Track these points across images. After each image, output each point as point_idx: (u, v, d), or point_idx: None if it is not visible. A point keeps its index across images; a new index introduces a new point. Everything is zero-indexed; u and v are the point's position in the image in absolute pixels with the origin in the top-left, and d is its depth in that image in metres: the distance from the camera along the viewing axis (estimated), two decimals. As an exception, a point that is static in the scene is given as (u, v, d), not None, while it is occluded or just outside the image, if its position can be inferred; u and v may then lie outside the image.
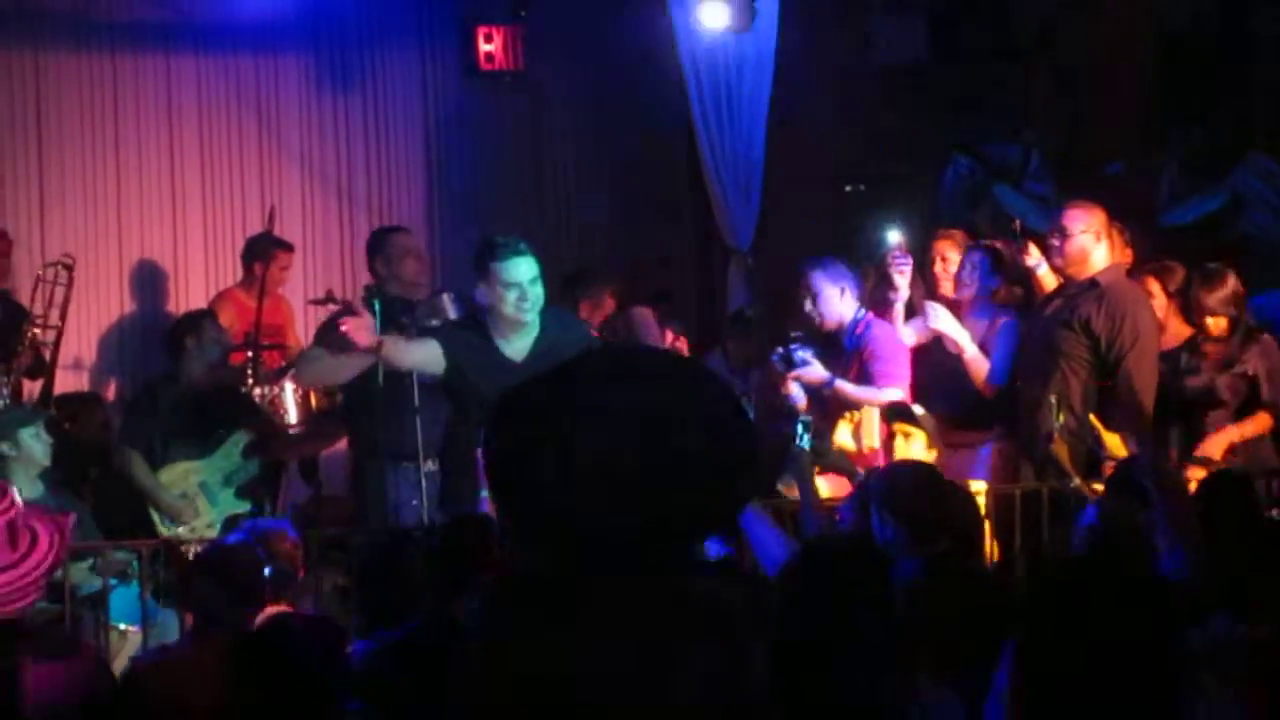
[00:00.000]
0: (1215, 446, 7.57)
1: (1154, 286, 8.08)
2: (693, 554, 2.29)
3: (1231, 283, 7.76)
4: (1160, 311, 7.94)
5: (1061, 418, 7.29)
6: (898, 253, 8.26)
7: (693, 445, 2.16)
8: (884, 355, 7.89)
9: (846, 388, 7.79)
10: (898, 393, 7.72)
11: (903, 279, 8.23)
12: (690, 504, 2.16)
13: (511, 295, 6.78)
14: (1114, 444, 7.29)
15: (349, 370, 7.54)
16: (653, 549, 2.16)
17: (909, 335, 8.22)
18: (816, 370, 7.80)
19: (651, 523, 2.14)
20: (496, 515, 4.97)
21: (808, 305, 7.98)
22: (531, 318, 6.86)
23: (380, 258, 8.57)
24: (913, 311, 8.34)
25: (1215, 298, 7.74)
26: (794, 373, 7.80)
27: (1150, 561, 4.81)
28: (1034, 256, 8.11)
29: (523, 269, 6.80)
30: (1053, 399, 7.38)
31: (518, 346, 6.90)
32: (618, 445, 2.14)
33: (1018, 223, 8.64)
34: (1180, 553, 4.76)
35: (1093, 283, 7.70)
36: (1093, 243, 7.71)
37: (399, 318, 7.72)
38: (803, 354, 7.79)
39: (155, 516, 8.10)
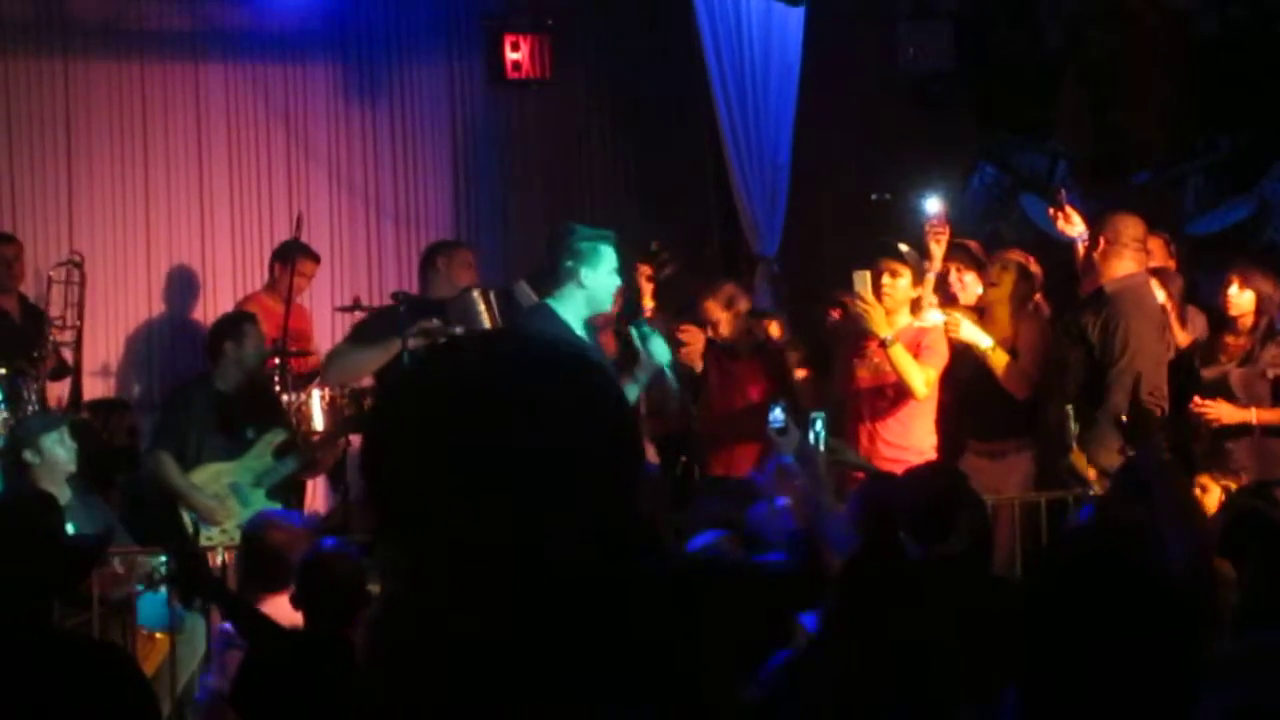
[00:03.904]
0: (1230, 413, 7.62)
1: (1153, 287, 8.10)
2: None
3: (1273, 283, 7.79)
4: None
5: (1077, 428, 7.28)
6: (936, 221, 8.21)
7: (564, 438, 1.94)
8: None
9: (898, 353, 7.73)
10: (934, 372, 7.75)
11: (939, 248, 8.18)
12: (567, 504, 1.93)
13: (615, 279, 7.03)
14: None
15: (373, 365, 7.73)
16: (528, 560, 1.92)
17: (937, 315, 8.18)
18: (881, 324, 7.70)
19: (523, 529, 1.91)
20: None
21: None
22: None
23: (438, 264, 8.68)
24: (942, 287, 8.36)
25: (1259, 282, 7.77)
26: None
27: (1148, 561, 4.80)
28: (1076, 225, 8.05)
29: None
30: (1069, 409, 7.37)
31: (579, 331, 7.05)
32: (477, 436, 1.90)
33: (1063, 193, 8.57)
34: (1181, 552, 4.74)
35: (1100, 292, 7.70)
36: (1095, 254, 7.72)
37: (428, 318, 7.80)
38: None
39: (187, 518, 8.12)
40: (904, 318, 7.80)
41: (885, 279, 7.74)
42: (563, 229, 7.18)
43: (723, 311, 8.58)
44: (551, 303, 7.03)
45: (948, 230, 8.26)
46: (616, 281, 7.07)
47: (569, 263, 6.98)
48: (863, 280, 7.67)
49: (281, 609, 5.39)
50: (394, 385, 2.10)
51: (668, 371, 7.02)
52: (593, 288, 6.97)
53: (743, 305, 8.65)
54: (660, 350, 6.96)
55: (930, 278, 8.20)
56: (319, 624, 5.15)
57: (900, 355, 7.63)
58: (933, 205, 8.30)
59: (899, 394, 7.73)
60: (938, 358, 7.76)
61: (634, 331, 6.98)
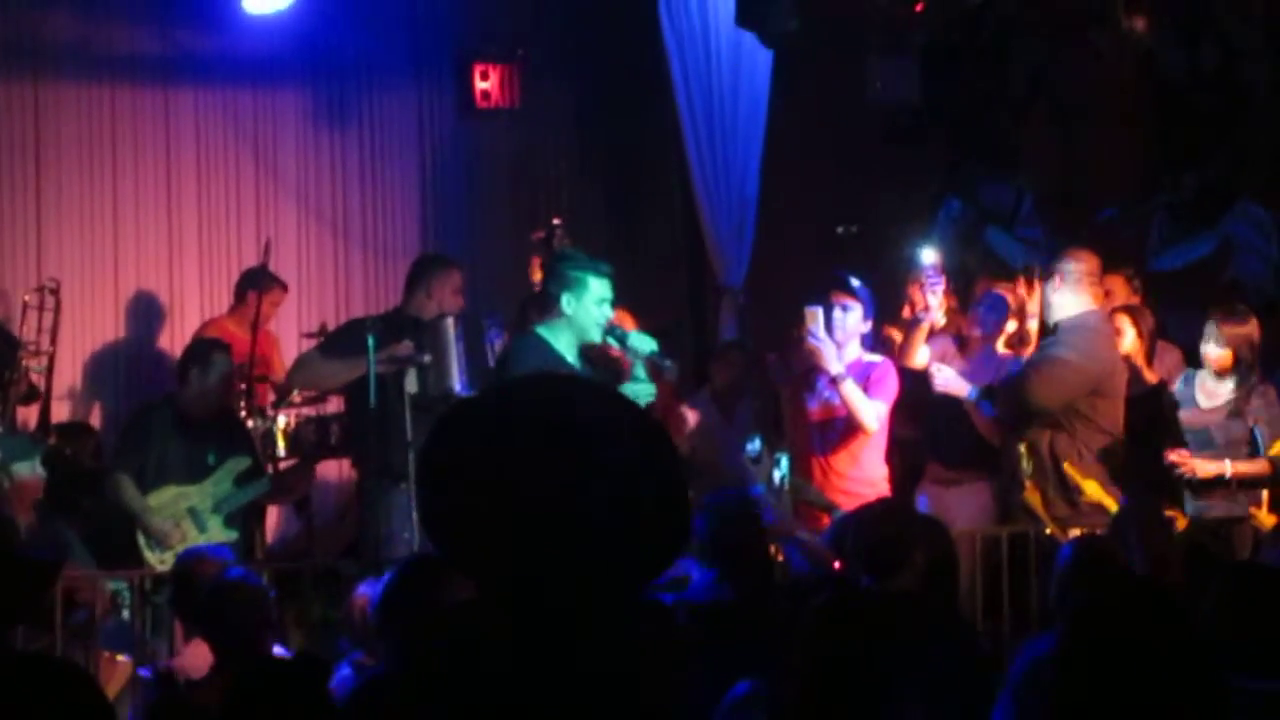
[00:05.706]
0: (1203, 466, 7.49)
1: (1125, 324, 8.12)
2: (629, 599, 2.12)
3: (1252, 324, 7.70)
4: (1132, 350, 8.00)
5: (1029, 465, 7.31)
6: (931, 272, 8.22)
7: (631, 495, 2.04)
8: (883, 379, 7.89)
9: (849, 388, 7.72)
10: (883, 406, 7.75)
11: (935, 299, 8.19)
12: (625, 556, 2.04)
13: (604, 311, 6.99)
14: (1092, 490, 7.29)
15: (339, 380, 7.69)
16: (590, 600, 2.03)
17: (926, 355, 8.19)
18: (833, 360, 7.71)
19: (589, 575, 2.02)
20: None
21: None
22: None
23: (431, 288, 8.62)
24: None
25: (1234, 332, 7.66)
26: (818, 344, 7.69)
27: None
28: (1033, 302, 8.07)
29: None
30: (1021, 448, 7.41)
31: (571, 360, 7.00)
32: (552, 495, 2.01)
33: (1036, 269, 8.59)
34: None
35: (1056, 328, 7.72)
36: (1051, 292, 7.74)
37: (399, 340, 7.78)
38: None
39: (142, 540, 8.10)
40: (854, 350, 7.84)
41: (836, 313, 7.77)
42: (558, 254, 7.22)
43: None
44: (542, 330, 7.03)
45: (944, 280, 8.25)
46: (605, 313, 7.02)
47: (555, 289, 7.01)
48: (814, 317, 7.69)
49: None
50: (464, 427, 2.16)
51: (657, 358, 7.14)
52: (577, 317, 6.96)
53: None
54: (640, 343, 7.08)
55: (925, 326, 8.20)
56: (228, 654, 5.15)
57: (852, 391, 7.65)
58: (927, 256, 8.27)
59: (849, 427, 7.75)
60: (887, 391, 7.78)
61: (611, 340, 7.06)
